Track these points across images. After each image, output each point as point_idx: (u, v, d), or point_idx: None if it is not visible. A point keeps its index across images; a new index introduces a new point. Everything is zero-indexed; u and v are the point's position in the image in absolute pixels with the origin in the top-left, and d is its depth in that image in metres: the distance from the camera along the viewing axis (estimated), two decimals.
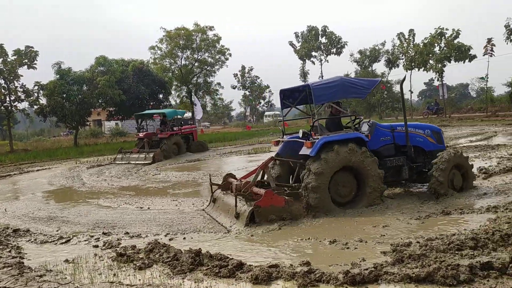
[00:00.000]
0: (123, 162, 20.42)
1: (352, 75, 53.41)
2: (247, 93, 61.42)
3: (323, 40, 52.14)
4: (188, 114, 40.25)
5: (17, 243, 7.13)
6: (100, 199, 11.28)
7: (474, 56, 36.33)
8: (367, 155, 7.73)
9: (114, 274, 5.24)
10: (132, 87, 34.68)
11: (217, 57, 46.36)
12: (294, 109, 9.55)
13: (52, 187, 14.42)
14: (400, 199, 8.39)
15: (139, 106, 36.06)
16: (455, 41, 36.54)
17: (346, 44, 51.90)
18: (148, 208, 9.73)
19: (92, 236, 7.37)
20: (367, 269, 4.64)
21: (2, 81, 31.39)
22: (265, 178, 8.66)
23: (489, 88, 43.33)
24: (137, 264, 5.50)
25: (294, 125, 45.06)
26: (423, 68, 39.13)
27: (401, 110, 47.05)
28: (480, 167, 10.84)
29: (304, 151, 7.76)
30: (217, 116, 78.89)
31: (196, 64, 46.06)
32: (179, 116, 23.88)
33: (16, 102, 32.27)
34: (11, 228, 8.16)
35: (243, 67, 59.61)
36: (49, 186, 14.67)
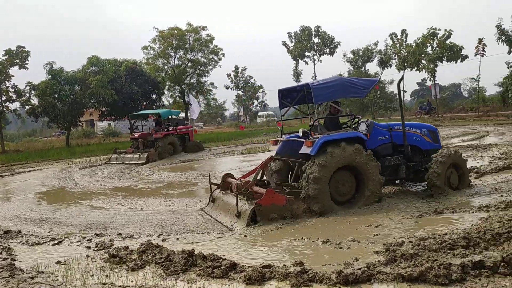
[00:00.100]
0: (117, 162, 20.39)
1: (345, 75, 53.62)
2: (241, 93, 61.36)
3: (316, 40, 52.27)
4: (182, 114, 40.15)
5: (8, 245, 7.06)
6: (92, 200, 11.22)
7: (466, 56, 36.55)
8: (371, 158, 7.82)
9: (107, 276, 5.22)
10: (124, 87, 34.55)
11: (210, 57, 46.32)
12: (282, 110, 9.56)
13: (44, 188, 14.32)
14: (393, 198, 8.42)
15: (131, 106, 35.94)
16: (447, 41, 36.75)
17: (339, 44, 52.13)
18: (141, 208, 9.68)
19: (84, 237, 7.32)
20: (360, 269, 4.66)
21: None
22: (264, 177, 8.68)
23: (481, 88, 43.64)
24: (130, 265, 5.47)
25: (287, 125, 45.14)
26: (415, 68, 39.30)
27: (394, 110, 47.42)
28: (472, 166, 10.91)
29: (304, 150, 7.81)
30: (211, 116, 78.77)
31: (189, 64, 45.98)
32: (174, 116, 23.88)
33: (8, 103, 32.07)
34: (2, 230, 8.09)
35: (236, 67, 59.58)
36: (41, 187, 14.56)
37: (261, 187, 7.90)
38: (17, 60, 30.95)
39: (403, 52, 40.63)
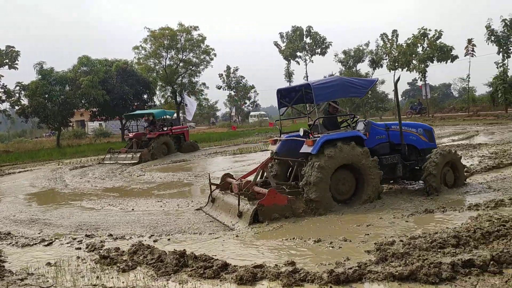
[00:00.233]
0: (111, 162, 20.41)
1: (337, 75, 53.77)
2: (232, 93, 61.30)
3: (308, 40, 52.39)
4: (174, 115, 39.98)
5: None
6: (83, 201, 11.14)
7: (456, 57, 36.87)
8: (368, 155, 7.91)
9: (97, 277, 5.18)
10: (116, 88, 34.36)
11: (201, 57, 46.24)
12: (280, 109, 9.58)
13: (34, 189, 14.20)
14: (385, 197, 8.45)
15: (123, 106, 35.74)
16: (438, 42, 37.02)
17: (331, 44, 52.29)
18: (132, 209, 9.64)
19: (75, 239, 7.27)
20: (351, 268, 4.67)
21: None
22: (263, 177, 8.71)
23: (471, 88, 44.07)
24: (121, 266, 5.45)
25: (278, 125, 45.14)
26: (406, 68, 39.55)
27: (385, 110, 47.56)
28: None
29: (305, 149, 7.85)
30: (202, 117, 78.62)
31: (180, 64, 45.85)
32: (168, 117, 23.89)
33: None
34: None
35: (228, 67, 59.50)
36: (31, 188, 14.44)
37: (261, 187, 7.96)
38: (7, 60, 30.63)
39: (394, 53, 40.88)
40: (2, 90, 31.36)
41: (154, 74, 44.28)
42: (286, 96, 9.42)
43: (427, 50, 37.72)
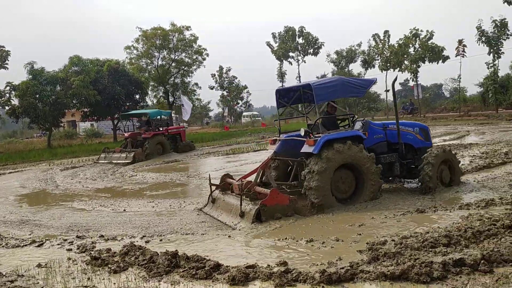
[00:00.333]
0: (105, 161, 20.44)
1: (329, 75, 53.93)
2: (225, 93, 61.25)
3: (300, 40, 52.49)
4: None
5: None
6: (74, 202, 11.06)
7: (447, 57, 37.11)
8: (365, 152, 8.02)
9: (88, 278, 5.15)
10: (107, 88, 34.16)
11: (194, 57, 46.16)
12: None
13: (24, 190, 14.07)
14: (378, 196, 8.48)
15: (115, 106, 35.56)
16: (429, 42, 37.25)
17: (323, 44, 52.43)
18: (124, 210, 9.59)
19: (66, 240, 7.21)
20: (343, 268, 4.68)
21: None
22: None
23: (462, 88, 44.36)
24: (112, 268, 5.41)
25: (271, 125, 45.19)
26: (398, 68, 39.76)
27: (377, 110, 47.73)
28: None
29: (306, 149, 7.91)
30: (195, 117, 78.44)
31: (173, 64, 45.73)
32: (164, 117, 23.93)
33: None
34: None
35: (221, 68, 59.44)
36: (22, 189, 14.31)
37: (260, 187, 8.01)
38: None
39: (386, 53, 41.08)
40: None
41: (146, 74, 44.10)
42: (284, 96, 9.48)
43: (418, 50, 37.95)
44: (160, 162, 19.51)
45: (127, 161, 19.72)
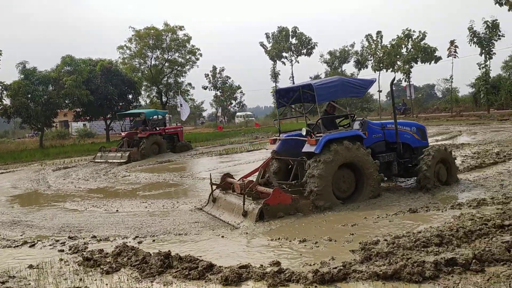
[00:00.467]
0: (101, 161, 20.53)
1: (323, 76, 54.05)
2: (219, 93, 61.13)
3: (294, 41, 52.52)
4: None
5: None
6: (66, 202, 10.99)
7: (440, 58, 37.32)
8: (365, 151, 8.12)
9: (80, 279, 5.12)
10: (100, 88, 34.02)
11: (187, 57, 46.07)
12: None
13: (16, 191, 13.96)
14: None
15: (107, 106, 35.42)
16: (422, 43, 37.44)
17: (316, 45, 52.48)
18: (117, 210, 9.54)
19: (58, 241, 7.16)
20: (336, 268, 4.69)
21: None
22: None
23: (454, 88, 44.68)
24: (104, 268, 5.38)
25: (264, 126, 45.20)
26: (391, 69, 39.93)
27: (370, 111, 47.88)
28: None
29: (308, 148, 7.97)
30: (188, 117, 78.15)
31: (166, 64, 45.60)
32: (160, 117, 23.98)
33: None
34: None
35: (214, 68, 59.32)
36: (13, 190, 14.20)
37: (260, 186, 8.06)
38: None
39: (378, 53, 41.23)
40: None
41: (139, 74, 43.96)
42: (284, 96, 9.55)
43: (411, 51, 38.13)
44: (153, 162, 19.45)
45: (122, 161, 19.81)
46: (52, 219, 9.08)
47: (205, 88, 59.05)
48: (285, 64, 54.28)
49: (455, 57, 36.33)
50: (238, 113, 67.22)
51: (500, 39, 33.48)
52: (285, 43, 52.28)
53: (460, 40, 36.47)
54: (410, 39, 38.10)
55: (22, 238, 7.52)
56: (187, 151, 23.32)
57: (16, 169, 20.79)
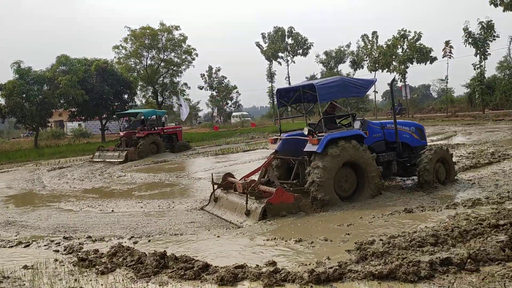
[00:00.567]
0: (99, 160, 20.63)
1: (318, 76, 54.12)
2: (214, 93, 61.06)
3: (289, 41, 52.54)
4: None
5: None
6: (61, 203, 10.95)
7: (435, 58, 37.45)
8: (368, 152, 8.18)
9: (75, 280, 5.10)
10: (95, 87, 33.92)
11: (183, 57, 45.97)
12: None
13: (11, 191, 13.89)
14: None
15: (103, 106, 35.31)
16: (417, 43, 37.55)
17: (312, 45, 52.52)
18: (112, 210, 9.52)
19: (53, 241, 7.13)
20: (331, 268, 4.70)
21: None
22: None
23: (449, 89, 44.84)
24: (100, 269, 5.36)
25: (260, 126, 45.20)
26: (387, 69, 40.03)
27: (366, 111, 47.99)
28: None
29: (310, 147, 8.00)
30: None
31: (162, 64, 45.50)
32: (159, 116, 24.03)
33: None
34: None
35: (210, 68, 59.23)
36: (8, 190, 14.13)
37: (262, 186, 8.09)
38: None
39: (374, 54, 41.33)
40: None
41: (135, 74, 43.83)
42: (285, 95, 9.58)
43: (406, 51, 38.24)
44: (149, 162, 19.41)
45: (119, 160, 19.87)
46: (47, 219, 9.04)
47: (201, 88, 59.00)
48: (281, 64, 54.31)
49: (450, 58, 36.51)
50: (234, 113, 67.20)
51: (495, 39, 33.66)
52: (281, 43, 52.29)
53: (449, 40, 36.65)
54: (406, 39, 38.21)
55: (16, 239, 7.48)
56: (186, 150, 23.33)
57: (10, 169, 20.68)
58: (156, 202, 10.10)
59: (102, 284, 4.89)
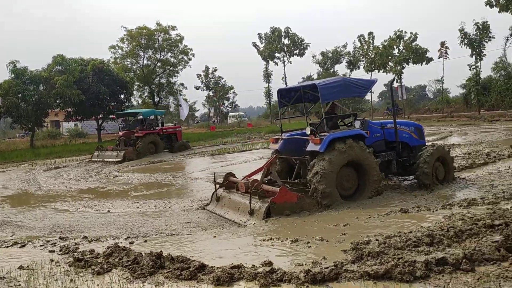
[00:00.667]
0: (98, 159, 20.71)
1: (315, 76, 54.19)
2: (211, 93, 61.01)
3: (286, 41, 52.58)
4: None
5: None
6: (57, 203, 10.92)
7: (431, 59, 37.60)
8: (370, 152, 8.23)
9: (71, 280, 5.08)
10: (92, 87, 33.85)
11: (180, 57, 45.93)
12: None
13: (6, 191, 13.84)
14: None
15: (99, 106, 35.23)
16: (413, 44, 37.67)
17: (309, 45, 52.59)
18: (108, 211, 9.49)
19: (48, 241, 7.11)
20: (327, 268, 4.71)
21: None
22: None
23: (445, 89, 45.03)
24: (96, 269, 5.35)
25: (257, 126, 45.22)
26: (383, 70, 40.14)
27: (362, 111, 48.11)
28: None
29: (312, 147, 8.03)
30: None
31: (158, 64, 45.44)
32: (158, 116, 24.07)
33: None
34: None
35: (207, 68, 59.17)
36: (4, 190, 14.08)
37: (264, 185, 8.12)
38: None
39: (370, 54, 41.44)
40: None
41: (131, 74, 43.75)
42: (285, 96, 9.61)
43: (403, 52, 38.35)
44: (145, 162, 19.39)
45: (118, 160, 19.94)
46: (42, 219, 9.01)
47: (197, 88, 58.93)
48: (277, 65, 54.36)
49: (446, 58, 36.67)
50: (230, 113, 67.20)
51: (490, 40, 33.87)
52: (278, 44, 52.33)
53: (445, 41, 36.84)
54: (402, 40, 38.33)
55: (12, 239, 7.46)
56: (185, 150, 23.33)
57: (6, 169, 20.61)
58: (152, 202, 10.09)
59: (98, 285, 4.88)
